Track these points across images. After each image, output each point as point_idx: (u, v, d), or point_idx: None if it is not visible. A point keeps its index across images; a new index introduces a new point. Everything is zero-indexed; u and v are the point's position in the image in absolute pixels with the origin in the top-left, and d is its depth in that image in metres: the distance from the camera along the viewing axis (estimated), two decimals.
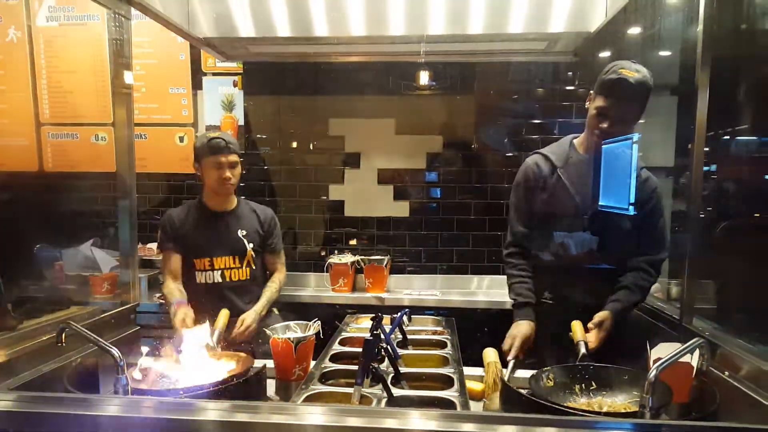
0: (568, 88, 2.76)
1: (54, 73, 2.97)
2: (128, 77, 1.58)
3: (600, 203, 1.47)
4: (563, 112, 2.77)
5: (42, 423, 0.84)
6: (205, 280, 1.78)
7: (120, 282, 1.62)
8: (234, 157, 1.76)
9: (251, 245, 1.80)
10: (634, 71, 1.35)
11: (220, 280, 1.78)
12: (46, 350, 1.19)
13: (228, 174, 1.74)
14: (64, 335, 1.10)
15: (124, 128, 1.57)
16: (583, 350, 1.26)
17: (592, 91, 1.46)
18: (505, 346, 1.43)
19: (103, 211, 2.95)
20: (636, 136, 1.31)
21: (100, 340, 1.04)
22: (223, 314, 1.49)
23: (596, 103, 1.41)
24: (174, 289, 1.75)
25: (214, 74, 2.94)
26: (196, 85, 2.96)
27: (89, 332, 1.06)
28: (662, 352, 1.27)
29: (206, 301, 1.71)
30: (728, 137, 2.26)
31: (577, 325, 1.34)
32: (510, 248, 1.59)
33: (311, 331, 1.33)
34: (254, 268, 1.83)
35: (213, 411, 0.81)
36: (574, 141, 1.56)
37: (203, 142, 1.75)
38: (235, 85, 2.92)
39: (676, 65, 2.27)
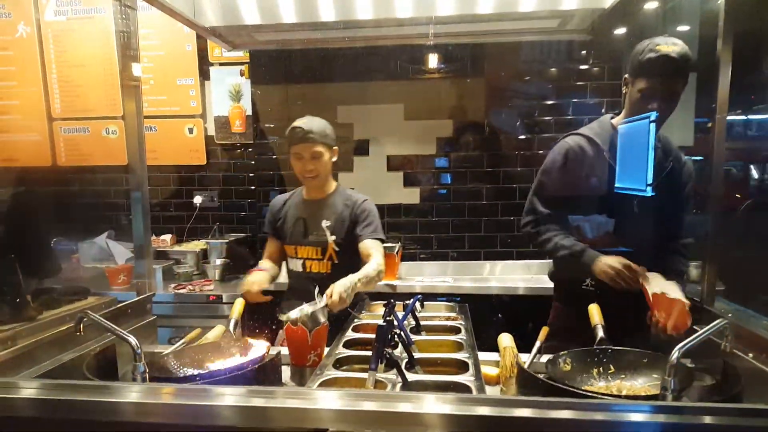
0: (582, 67, 2.69)
1: (64, 68, 2.99)
2: (136, 69, 1.57)
3: (617, 185, 1.42)
4: (577, 93, 2.70)
5: (63, 410, 0.85)
6: (293, 268, 1.75)
7: (135, 273, 1.64)
8: (318, 148, 1.60)
9: (333, 237, 1.64)
10: (671, 45, 1.31)
11: (301, 270, 1.70)
12: (65, 339, 1.22)
13: (310, 166, 1.60)
14: (82, 325, 1.12)
15: (134, 121, 1.57)
16: (600, 334, 1.24)
17: (626, 75, 1.41)
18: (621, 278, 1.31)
19: (116, 203, 2.99)
20: (654, 115, 1.26)
21: (118, 329, 1.05)
22: (239, 302, 1.50)
23: (639, 86, 1.37)
24: (264, 261, 1.75)
25: (221, 64, 2.93)
26: (204, 75, 2.95)
27: (107, 321, 1.08)
28: (656, 285, 1.27)
29: (295, 288, 1.67)
30: (751, 115, 2.17)
31: (594, 308, 1.31)
32: (536, 225, 1.50)
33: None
34: (336, 262, 1.66)
35: (229, 396, 0.82)
36: (613, 122, 1.50)
37: (288, 130, 1.63)
38: (242, 74, 2.91)
39: (695, 40, 2.16)
